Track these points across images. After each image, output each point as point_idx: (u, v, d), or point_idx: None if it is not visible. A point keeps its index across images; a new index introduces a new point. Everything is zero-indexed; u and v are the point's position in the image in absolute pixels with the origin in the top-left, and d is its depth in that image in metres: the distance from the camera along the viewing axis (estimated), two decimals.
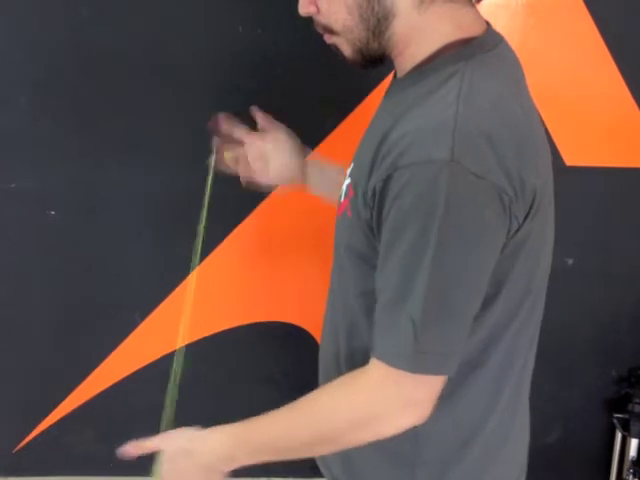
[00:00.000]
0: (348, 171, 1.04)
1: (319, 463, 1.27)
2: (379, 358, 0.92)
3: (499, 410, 1.06)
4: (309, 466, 2.08)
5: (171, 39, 1.78)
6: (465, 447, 1.06)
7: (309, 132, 1.86)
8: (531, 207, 0.92)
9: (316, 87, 1.81)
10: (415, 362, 0.89)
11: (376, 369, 0.93)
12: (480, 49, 0.93)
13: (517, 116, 0.93)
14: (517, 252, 0.94)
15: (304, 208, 1.88)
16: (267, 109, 1.84)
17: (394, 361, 0.91)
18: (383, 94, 1.14)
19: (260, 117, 1.31)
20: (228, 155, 1.26)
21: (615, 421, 2.08)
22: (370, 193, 0.91)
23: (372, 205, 0.91)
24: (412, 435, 1.00)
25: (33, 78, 1.80)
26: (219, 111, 1.81)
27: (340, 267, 1.07)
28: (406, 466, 1.07)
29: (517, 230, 0.91)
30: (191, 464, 1.06)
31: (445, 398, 0.98)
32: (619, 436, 2.09)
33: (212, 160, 1.26)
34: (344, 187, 1.03)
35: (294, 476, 2.16)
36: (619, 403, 2.09)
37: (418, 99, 0.91)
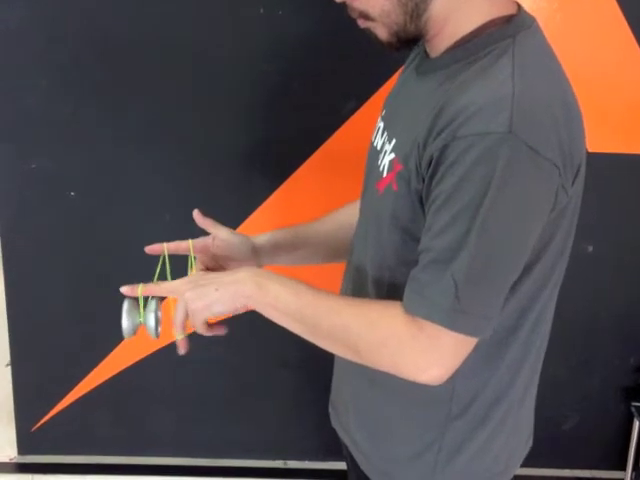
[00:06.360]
0: (388, 148, 1.05)
1: (337, 428, 1.27)
2: (415, 313, 0.93)
3: (524, 373, 1.10)
4: (325, 449, 2.10)
5: (191, 21, 1.77)
6: (493, 407, 1.09)
7: (327, 116, 1.87)
8: (576, 176, 0.96)
9: (335, 70, 1.80)
10: (453, 319, 0.91)
11: (407, 323, 0.94)
12: (522, 27, 0.96)
13: (565, 90, 0.97)
14: (559, 219, 0.97)
15: (320, 192, 1.89)
16: (286, 92, 1.84)
17: (431, 315, 0.92)
18: (406, 72, 1.15)
19: (200, 221, 1.27)
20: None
21: (633, 409, 2.07)
22: (426, 162, 0.93)
23: (425, 173, 0.93)
24: (448, 399, 1.06)
25: (53, 62, 1.81)
26: (236, 93, 1.83)
27: (378, 240, 1.08)
28: (437, 429, 1.10)
29: (563, 200, 0.95)
30: (217, 282, 1.07)
31: (482, 361, 1.03)
32: (637, 424, 2.08)
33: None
34: (386, 163, 1.04)
35: (310, 459, 2.18)
36: (637, 391, 2.09)
37: (471, 74, 0.93)
